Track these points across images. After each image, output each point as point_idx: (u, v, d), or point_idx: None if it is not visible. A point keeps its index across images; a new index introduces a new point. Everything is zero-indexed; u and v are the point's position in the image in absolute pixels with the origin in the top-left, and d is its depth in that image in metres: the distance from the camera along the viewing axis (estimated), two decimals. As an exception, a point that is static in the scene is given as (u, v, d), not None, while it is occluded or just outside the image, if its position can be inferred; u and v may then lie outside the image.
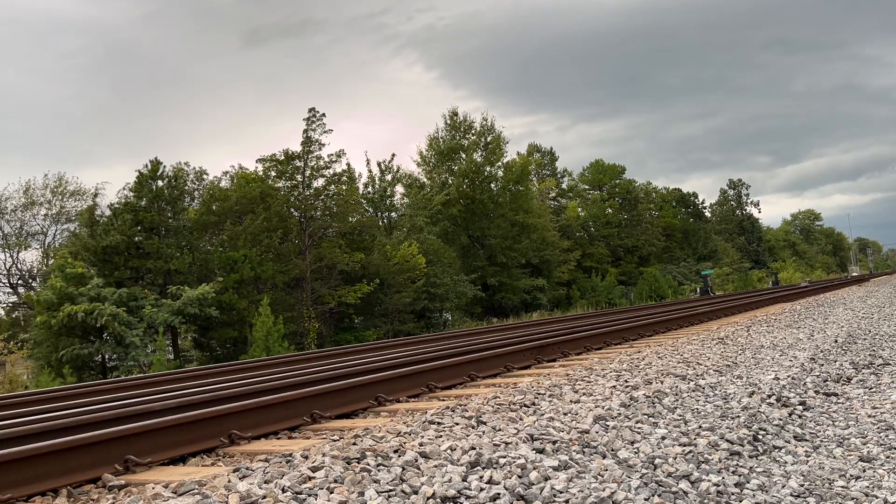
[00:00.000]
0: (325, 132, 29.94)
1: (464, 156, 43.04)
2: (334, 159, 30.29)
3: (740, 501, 3.28)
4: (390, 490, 3.14)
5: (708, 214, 77.71)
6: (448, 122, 43.87)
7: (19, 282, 34.60)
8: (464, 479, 3.27)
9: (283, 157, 30.06)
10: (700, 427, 4.48)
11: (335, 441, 4.24)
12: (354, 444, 4.01)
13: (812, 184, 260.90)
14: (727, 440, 4.22)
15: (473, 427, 4.42)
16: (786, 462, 4.03)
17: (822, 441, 4.56)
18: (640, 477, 3.41)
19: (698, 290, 46.91)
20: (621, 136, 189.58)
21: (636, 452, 3.86)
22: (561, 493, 3.16)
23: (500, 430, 4.29)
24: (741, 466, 3.83)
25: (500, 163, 43.50)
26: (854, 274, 68.70)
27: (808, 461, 4.07)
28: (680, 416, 4.82)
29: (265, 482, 3.29)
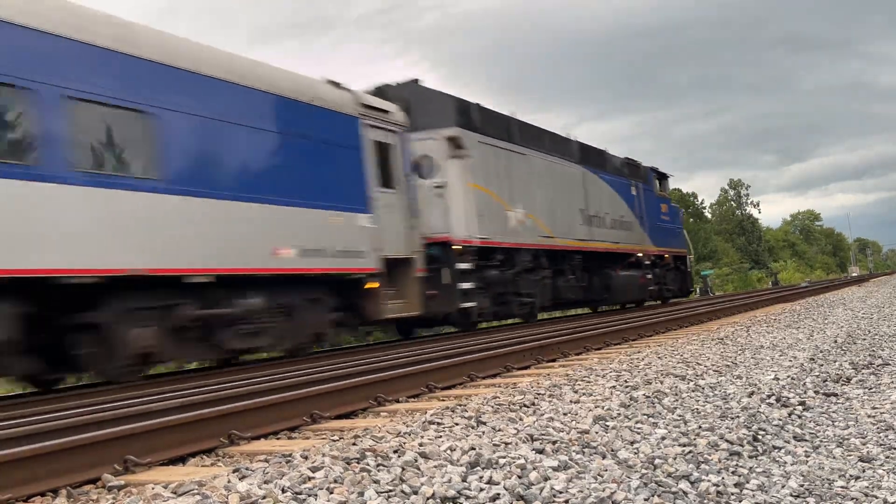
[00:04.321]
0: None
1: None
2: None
3: (740, 501, 3.29)
4: (390, 490, 3.14)
5: (708, 214, 77.73)
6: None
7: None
8: (463, 480, 3.27)
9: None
10: (700, 427, 4.49)
11: (335, 441, 4.24)
12: (354, 444, 4.01)
13: (817, 183, 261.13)
14: (727, 440, 4.22)
15: (473, 427, 4.42)
16: (785, 462, 4.03)
17: (821, 441, 4.57)
18: (640, 477, 3.41)
19: (698, 290, 46.93)
20: (627, 134, 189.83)
21: (636, 453, 3.86)
22: (560, 493, 3.16)
23: (499, 430, 4.30)
24: (741, 467, 3.83)
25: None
26: (854, 274, 68.67)
27: (807, 461, 4.07)
28: (680, 416, 4.82)
29: (265, 482, 3.29)
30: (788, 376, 6.54)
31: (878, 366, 7.48)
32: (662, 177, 24.06)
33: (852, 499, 3.44)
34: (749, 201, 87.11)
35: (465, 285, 13.54)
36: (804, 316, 13.91)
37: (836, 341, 9.36)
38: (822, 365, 7.40)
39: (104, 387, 8.44)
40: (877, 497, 3.44)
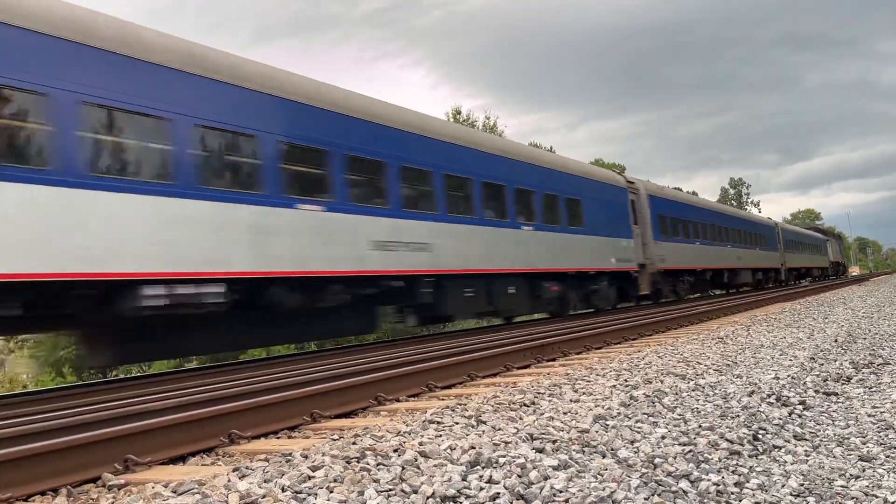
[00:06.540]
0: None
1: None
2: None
3: (740, 501, 3.28)
4: (390, 489, 3.14)
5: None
6: (451, 120, 43.99)
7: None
8: (463, 479, 3.27)
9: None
10: (700, 426, 4.48)
11: (335, 440, 4.24)
12: (354, 443, 4.01)
13: (819, 182, 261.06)
14: (727, 439, 4.22)
15: (473, 426, 4.42)
16: (785, 461, 4.03)
17: (821, 440, 4.56)
18: (640, 476, 3.41)
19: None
20: (630, 133, 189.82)
21: (636, 452, 3.86)
22: (560, 492, 3.16)
23: (499, 429, 4.29)
24: (741, 466, 3.83)
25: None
26: (854, 273, 68.73)
27: (807, 461, 4.07)
28: (680, 415, 4.82)
29: (265, 481, 3.29)
30: (789, 375, 6.53)
31: (878, 365, 7.48)
32: (841, 236, 58.25)
33: (852, 498, 3.44)
34: (750, 200, 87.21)
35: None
36: (804, 315, 13.91)
37: (836, 340, 9.36)
38: (822, 364, 7.39)
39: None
40: (877, 496, 3.44)
